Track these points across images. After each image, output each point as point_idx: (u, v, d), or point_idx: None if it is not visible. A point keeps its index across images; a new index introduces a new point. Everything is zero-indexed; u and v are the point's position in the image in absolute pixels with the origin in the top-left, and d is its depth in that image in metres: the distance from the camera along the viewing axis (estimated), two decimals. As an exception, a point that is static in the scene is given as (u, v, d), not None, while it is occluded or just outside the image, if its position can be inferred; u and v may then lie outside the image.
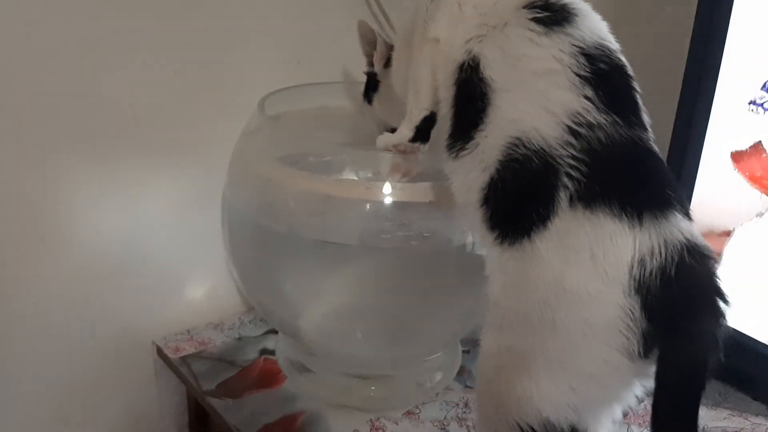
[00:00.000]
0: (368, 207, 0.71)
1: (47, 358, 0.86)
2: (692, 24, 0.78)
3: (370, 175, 0.77)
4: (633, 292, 0.50)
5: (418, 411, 0.81)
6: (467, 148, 0.58)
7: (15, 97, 0.75)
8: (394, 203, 0.70)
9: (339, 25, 0.88)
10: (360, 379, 0.84)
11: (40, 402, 0.87)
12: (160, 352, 0.90)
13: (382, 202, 0.71)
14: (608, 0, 0.96)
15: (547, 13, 0.57)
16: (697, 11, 0.77)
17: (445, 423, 0.79)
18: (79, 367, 0.89)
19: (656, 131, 0.56)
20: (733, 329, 0.78)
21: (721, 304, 0.51)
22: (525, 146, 0.54)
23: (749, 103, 0.74)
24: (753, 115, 0.74)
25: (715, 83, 0.77)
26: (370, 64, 0.79)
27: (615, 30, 0.58)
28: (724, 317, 0.50)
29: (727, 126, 0.77)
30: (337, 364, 0.84)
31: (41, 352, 0.85)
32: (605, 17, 0.59)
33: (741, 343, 0.80)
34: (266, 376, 0.86)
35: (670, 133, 0.82)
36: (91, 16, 0.77)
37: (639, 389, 0.57)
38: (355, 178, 0.77)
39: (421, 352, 0.84)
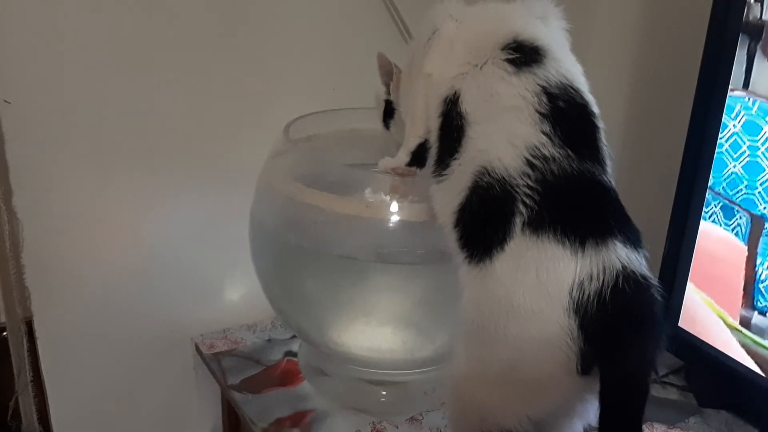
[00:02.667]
0: (372, 224, 0.78)
1: (105, 346, 0.97)
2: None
3: (385, 195, 0.83)
4: (572, 312, 0.54)
5: (421, 418, 0.87)
6: (445, 174, 0.64)
7: (82, 117, 0.87)
8: (392, 221, 0.77)
9: (372, 55, 0.95)
10: (372, 385, 0.90)
11: (97, 384, 0.98)
12: (197, 348, 0.99)
13: (384, 219, 0.78)
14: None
15: (519, 55, 0.62)
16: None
17: (442, 431, 0.84)
18: (130, 355, 1.00)
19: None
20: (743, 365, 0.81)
21: (657, 329, 0.54)
22: (490, 175, 0.59)
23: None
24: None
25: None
26: (388, 92, 0.85)
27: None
28: (660, 342, 0.54)
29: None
30: (351, 370, 0.91)
31: (101, 341, 0.96)
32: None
33: (750, 378, 0.81)
34: (286, 376, 0.93)
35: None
36: (142, 48, 0.88)
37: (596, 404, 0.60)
38: (369, 196, 0.84)
39: (431, 359, 0.89)
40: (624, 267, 0.54)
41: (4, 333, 0.88)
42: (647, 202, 0.89)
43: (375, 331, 0.86)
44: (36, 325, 0.90)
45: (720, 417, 0.89)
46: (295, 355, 0.98)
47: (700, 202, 0.82)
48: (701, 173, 0.82)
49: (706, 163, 0.81)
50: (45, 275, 0.89)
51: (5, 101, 0.81)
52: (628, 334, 0.54)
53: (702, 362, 0.89)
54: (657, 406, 0.90)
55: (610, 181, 0.59)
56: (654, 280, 0.55)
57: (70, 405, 0.96)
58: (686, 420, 0.88)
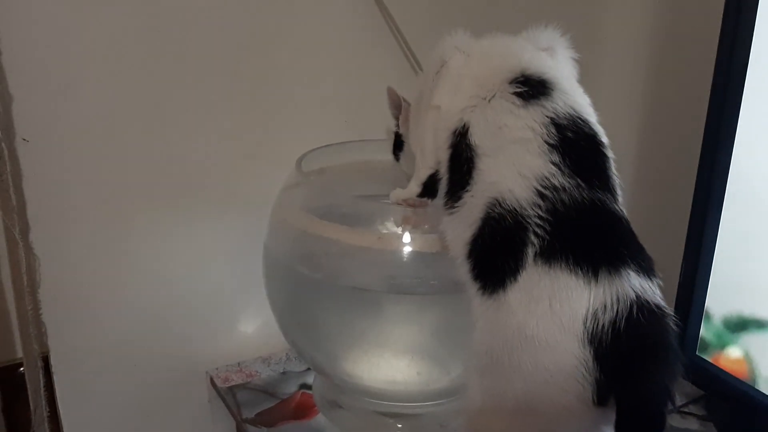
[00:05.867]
0: (385, 255, 0.79)
1: (120, 380, 0.98)
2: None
3: (397, 226, 0.84)
4: (587, 343, 0.54)
5: (437, 450, 0.86)
6: (457, 206, 0.64)
7: (98, 153, 0.89)
8: (405, 252, 0.77)
9: (383, 87, 0.96)
10: (387, 417, 0.90)
11: (113, 418, 0.98)
12: (212, 381, 0.99)
13: (398, 251, 0.78)
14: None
15: (526, 88, 0.62)
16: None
17: (458, 463, 0.83)
18: (146, 389, 1.00)
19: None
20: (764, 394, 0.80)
21: (673, 359, 0.53)
22: (501, 206, 0.59)
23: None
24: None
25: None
26: (397, 125, 0.86)
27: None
28: (676, 371, 0.53)
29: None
30: (366, 402, 0.90)
31: (116, 375, 0.97)
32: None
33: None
34: (301, 409, 0.93)
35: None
36: (156, 86, 0.89)
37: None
38: (382, 228, 0.84)
39: (446, 391, 0.88)
40: (638, 296, 0.54)
41: (21, 368, 0.88)
42: (661, 229, 0.89)
43: (389, 363, 0.86)
44: (52, 361, 0.91)
45: (741, 448, 0.87)
46: (309, 387, 0.97)
47: (715, 227, 0.82)
48: (715, 198, 0.82)
49: (720, 187, 0.81)
50: (61, 310, 0.90)
51: (23, 139, 0.83)
52: (644, 363, 0.54)
53: (721, 391, 0.88)
54: (677, 437, 0.89)
55: (621, 210, 0.59)
56: (669, 310, 0.55)
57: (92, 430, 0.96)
58: (707, 450, 0.87)
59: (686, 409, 0.93)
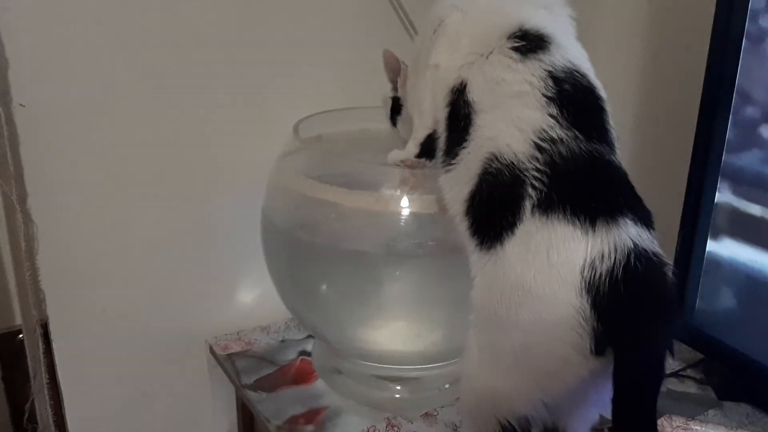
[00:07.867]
0: (383, 217, 0.79)
1: (120, 348, 0.98)
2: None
3: (396, 188, 0.83)
4: (584, 292, 0.54)
5: (436, 413, 0.86)
6: (454, 164, 0.64)
7: (95, 119, 0.88)
8: (403, 215, 0.77)
9: (379, 53, 0.95)
10: (386, 381, 0.90)
11: (113, 386, 0.99)
12: (211, 349, 1.00)
13: (395, 213, 0.78)
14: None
15: (524, 42, 0.62)
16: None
17: (457, 425, 0.84)
18: (145, 357, 1.00)
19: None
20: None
21: (671, 306, 0.53)
22: (498, 161, 0.59)
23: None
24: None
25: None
26: (395, 89, 0.85)
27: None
28: (673, 321, 0.53)
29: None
30: (365, 366, 0.90)
31: (116, 343, 0.97)
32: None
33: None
34: (300, 375, 0.93)
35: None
36: (151, 50, 0.89)
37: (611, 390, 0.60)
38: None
39: (445, 353, 0.88)
40: (635, 245, 0.54)
41: (20, 335, 0.88)
42: (660, 192, 0.89)
43: (389, 326, 0.86)
44: (51, 328, 0.91)
45: (740, 409, 0.88)
46: (309, 354, 0.98)
47: (713, 190, 0.82)
48: (715, 153, 0.81)
49: (719, 142, 0.81)
50: (60, 278, 0.90)
51: (20, 105, 0.82)
52: (641, 311, 0.54)
53: (719, 355, 0.88)
54: (675, 400, 0.89)
55: (619, 162, 0.59)
56: (666, 258, 0.55)
57: (85, 407, 0.97)
58: (705, 413, 0.87)
59: (684, 373, 0.94)
